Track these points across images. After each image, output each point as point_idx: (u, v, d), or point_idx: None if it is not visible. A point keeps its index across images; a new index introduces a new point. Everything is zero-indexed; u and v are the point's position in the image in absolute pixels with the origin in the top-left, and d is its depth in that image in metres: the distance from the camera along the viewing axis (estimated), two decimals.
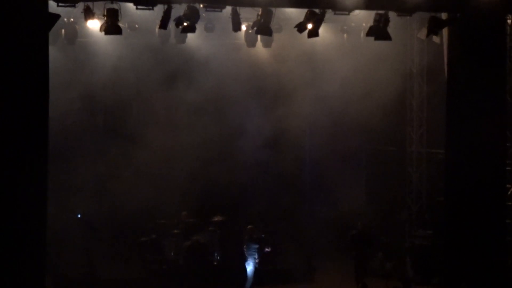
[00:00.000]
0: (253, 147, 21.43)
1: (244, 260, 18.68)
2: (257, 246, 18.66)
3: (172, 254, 20.21)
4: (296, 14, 18.17)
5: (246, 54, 21.10)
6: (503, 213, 18.24)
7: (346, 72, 20.70)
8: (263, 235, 19.37)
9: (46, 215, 15.44)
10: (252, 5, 17.11)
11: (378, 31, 17.97)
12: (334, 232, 21.12)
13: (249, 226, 18.84)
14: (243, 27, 19.23)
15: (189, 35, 19.26)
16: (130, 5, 16.68)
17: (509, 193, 18.63)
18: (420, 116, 22.12)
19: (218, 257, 20.29)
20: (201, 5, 17.09)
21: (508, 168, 18.34)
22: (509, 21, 18.20)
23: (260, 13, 17.54)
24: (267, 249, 18.85)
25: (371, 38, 18.25)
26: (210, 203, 21.31)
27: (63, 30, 19.31)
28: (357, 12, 17.63)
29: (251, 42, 20.61)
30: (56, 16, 15.75)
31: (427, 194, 21.89)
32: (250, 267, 18.66)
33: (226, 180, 20.98)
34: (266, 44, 20.72)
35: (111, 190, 20.07)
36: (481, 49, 17.93)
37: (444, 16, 18.14)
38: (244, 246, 18.78)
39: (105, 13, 16.45)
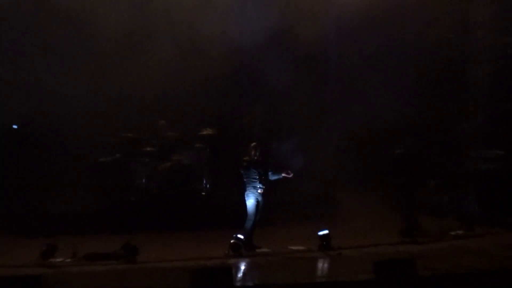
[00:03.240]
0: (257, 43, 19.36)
1: (243, 190, 15.92)
2: (261, 170, 15.85)
3: (143, 180, 18.40)
4: None
5: None
6: None
7: None
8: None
9: None
10: None
11: None
12: (366, 152, 19.33)
13: (252, 144, 15.99)
14: None
15: None
16: None
17: None
18: None
19: (207, 186, 18.58)
20: None
21: None
22: None
23: None
24: (286, 175, 15.98)
25: None
26: (197, 111, 19.19)
27: None
28: None
29: None
30: None
31: (496, 101, 19.47)
32: (251, 201, 15.72)
33: (220, 82, 19.11)
34: None
35: (56, 89, 18.06)
36: None
37: None
38: (243, 171, 15.94)
39: None
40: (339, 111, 20.29)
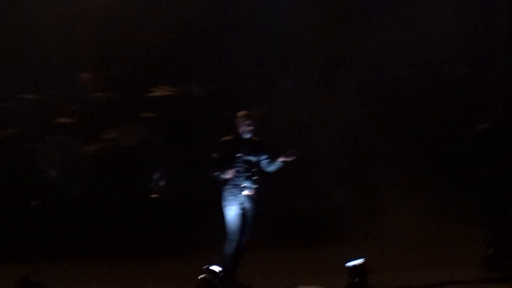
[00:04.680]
0: None
1: (221, 190, 11.29)
2: (252, 158, 11.49)
3: (54, 172, 14.08)
4: None
5: None
6: None
7: None
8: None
9: None
10: None
11: None
12: (424, 128, 14.60)
13: (241, 113, 11.78)
14: None
15: None
16: None
17: None
18: None
19: (161, 182, 14.33)
20: None
21: None
22: None
23: None
24: (285, 158, 11.56)
25: None
26: (148, 59, 14.68)
27: None
28: None
29: None
30: None
31: None
32: (232, 209, 11.13)
33: (188, 13, 14.62)
34: None
35: None
36: None
37: None
38: (223, 159, 11.39)
39: None
40: (377, 62, 15.24)
